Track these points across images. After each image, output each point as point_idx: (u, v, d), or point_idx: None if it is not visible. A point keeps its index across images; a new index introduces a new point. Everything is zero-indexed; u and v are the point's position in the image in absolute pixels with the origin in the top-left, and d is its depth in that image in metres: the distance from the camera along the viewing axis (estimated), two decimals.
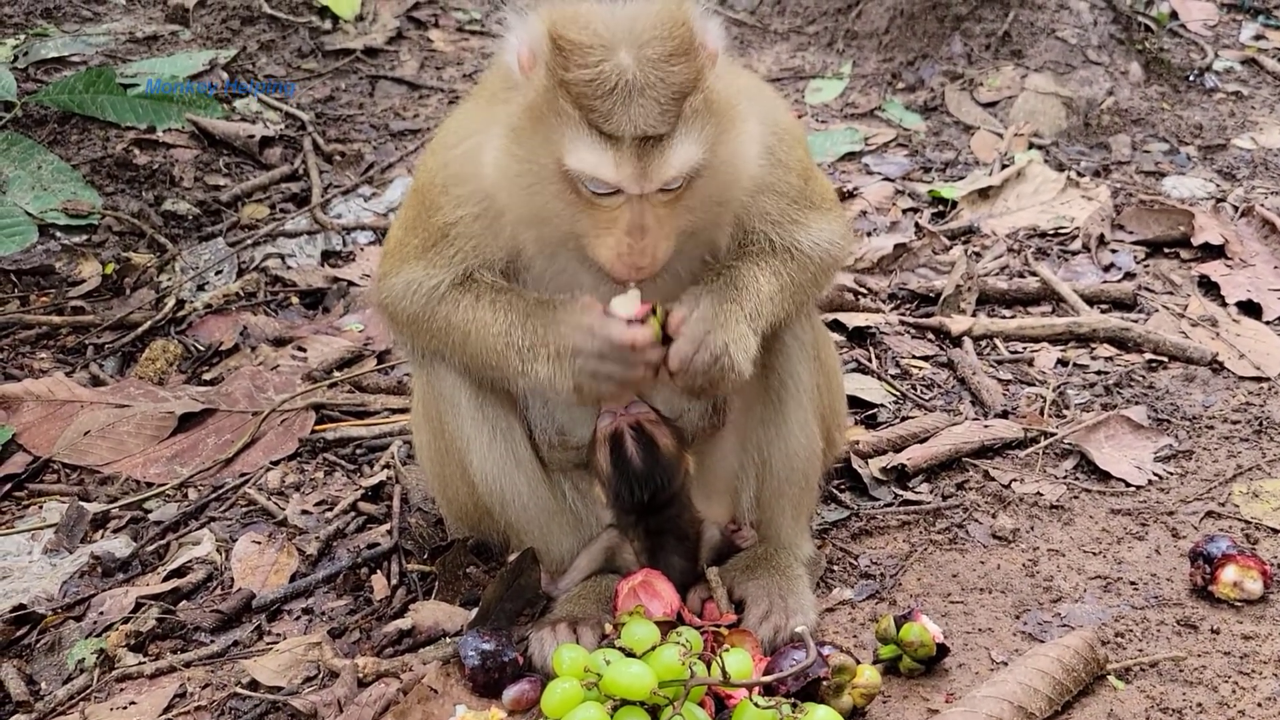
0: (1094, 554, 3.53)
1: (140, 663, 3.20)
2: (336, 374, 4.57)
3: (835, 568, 3.50)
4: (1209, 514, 3.70)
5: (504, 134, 2.75)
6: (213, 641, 3.29)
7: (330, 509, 3.85)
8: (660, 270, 2.82)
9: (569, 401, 2.97)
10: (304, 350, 4.75)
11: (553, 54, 2.67)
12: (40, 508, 3.94)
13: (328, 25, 7.29)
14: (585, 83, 2.63)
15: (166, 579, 3.54)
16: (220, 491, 3.96)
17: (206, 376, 4.63)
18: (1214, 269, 5.24)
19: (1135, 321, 4.81)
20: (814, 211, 3.11)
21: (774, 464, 3.26)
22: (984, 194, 5.93)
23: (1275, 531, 3.61)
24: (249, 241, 5.48)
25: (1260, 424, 4.15)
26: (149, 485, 4.04)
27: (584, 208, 2.73)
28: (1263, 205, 5.71)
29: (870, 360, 4.61)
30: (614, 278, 2.81)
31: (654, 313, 2.87)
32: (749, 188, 2.92)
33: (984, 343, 4.76)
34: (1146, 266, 5.36)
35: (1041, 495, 3.80)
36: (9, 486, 4.04)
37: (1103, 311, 4.94)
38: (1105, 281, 5.22)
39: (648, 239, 2.71)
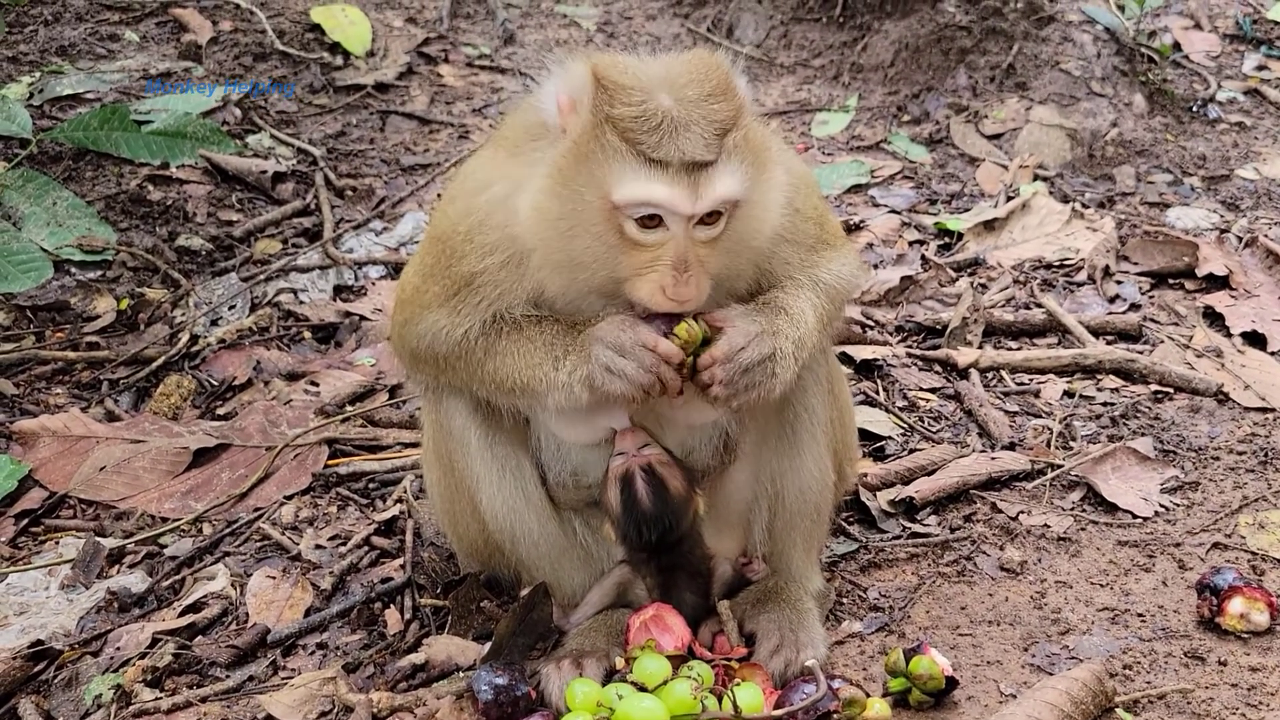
0: (1101, 586, 3.56)
1: (157, 698, 3.22)
2: (349, 408, 4.61)
3: (844, 601, 3.52)
4: (1215, 545, 3.72)
5: (545, 175, 2.78)
6: (228, 677, 3.32)
7: (344, 543, 3.88)
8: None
9: (582, 400, 2.94)
10: (316, 385, 4.78)
11: (597, 93, 2.74)
12: (57, 543, 3.98)
13: (339, 61, 7.35)
14: (632, 118, 2.71)
15: (182, 614, 3.57)
16: (234, 526, 4.00)
17: (220, 411, 4.67)
18: (1219, 300, 5.27)
19: (1141, 353, 4.84)
20: (829, 249, 3.19)
21: (787, 497, 3.29)
22: (989, 226, 5.97)
23: None
24: (261, 276, 5.53)
25: (1266, 455, 4.18)
26: (164, 520, 4.07)
27: (626, 250, 2.78)
28: (1267, 236, 5.75)
29: (878, 393, 4.65)
30: (652, 310, 2.84)
31: (694, 319, 2.87)
32: (770, 236, 2.98)
33: (990, 375, 4.80)
34: (1151, 298, 5.39)
35: (1049, 527, 3.83)
36: (26, 522, 4.08)
37: (1108, 343, 4.98)
38: (1111, 313, 5.25)
39: (690, 273, 2.77)
